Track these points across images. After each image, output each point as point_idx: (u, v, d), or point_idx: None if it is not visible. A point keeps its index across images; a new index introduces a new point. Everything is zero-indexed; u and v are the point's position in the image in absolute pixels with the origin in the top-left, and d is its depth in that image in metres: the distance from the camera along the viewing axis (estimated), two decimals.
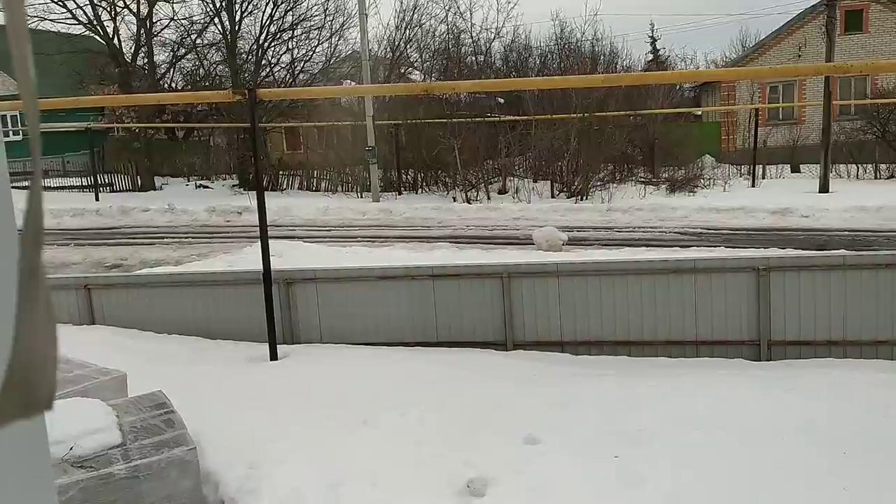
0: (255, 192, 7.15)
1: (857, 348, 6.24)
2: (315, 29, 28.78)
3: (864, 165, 24.19)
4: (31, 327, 0.33)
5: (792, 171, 26.49)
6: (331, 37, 29.01)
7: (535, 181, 23.45)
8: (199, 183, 28.73)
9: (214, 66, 28.88)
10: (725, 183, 22.97)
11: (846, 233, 14.31)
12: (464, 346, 6.95)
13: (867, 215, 15.69)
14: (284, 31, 28.41)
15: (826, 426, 4.68)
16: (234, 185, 27.67)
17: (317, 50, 29.04)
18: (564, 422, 4.92)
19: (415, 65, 31.29)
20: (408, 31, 29.61)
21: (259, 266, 7.00)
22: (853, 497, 3.90)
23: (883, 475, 4.09)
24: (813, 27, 27.81)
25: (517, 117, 23.94)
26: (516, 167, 24.71)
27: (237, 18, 27.61)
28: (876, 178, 23.89)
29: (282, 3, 27.85)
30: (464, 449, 4.60)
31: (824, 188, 20.53)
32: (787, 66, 26.18)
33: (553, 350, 6.81)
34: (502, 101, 27.05)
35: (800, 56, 28.92)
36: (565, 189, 22.25)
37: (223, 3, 27.05)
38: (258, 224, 6.89)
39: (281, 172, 27.68)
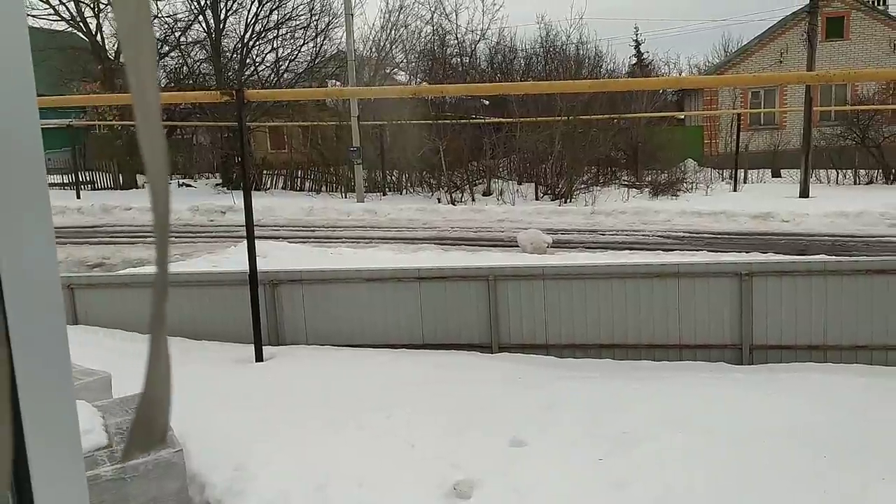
0: (238, 191, 7.13)
1: (837, 353, 6.34)
2: (300, 28, 28.69)
3: (844, 171, 24.49)
4: (156, 372, 0.38)
5: (773, 176, 26.76)
6: (316, 36, 28.92)
7: (519, 183, 23.53)
8: (181, 181, 28.54)
9: (198, 64, 28.71)
10: (708, 187, 23.17)
11: (826, 238, 14.49)
12: (449, 349, 6.98)
13: (847, 221, 15.89)
14: (269, 30, 28.30)
15: (807, 430, 4.76)
16: (217, 184, 27.51)
17: (302, 49, 28.95)
18: (550, 424, 4.96)
19: (400, 65, 31.29)
20: (393, 32, 29.63)
21: (243, 266, 6.99)
22: (834, 500, 3.97)
23: (863, 478, 4.16)
24: (795, 33, 28.12)
25: (502, 119, 24.01)
26: (501, 169, 24.78)
27: (222, 17, 27.47)
28: (855, 183, 24.19)
29: (267, 1, 27.75)
30: (450, 451, 4.63)
31: (805, 193, 20.76)
32: (770, 73, 26.46)
33: (538, 352, 6.86)
34: (487, 102, 27.11)
35: (781, 62, 29.23)
36: (549, 191, 22.35)
37: (208, 1, 26.92)
38: (244, 224, 6.88)
39: (265, 172, 27.57)
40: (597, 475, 4.30)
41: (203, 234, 17.13)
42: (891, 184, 23.64)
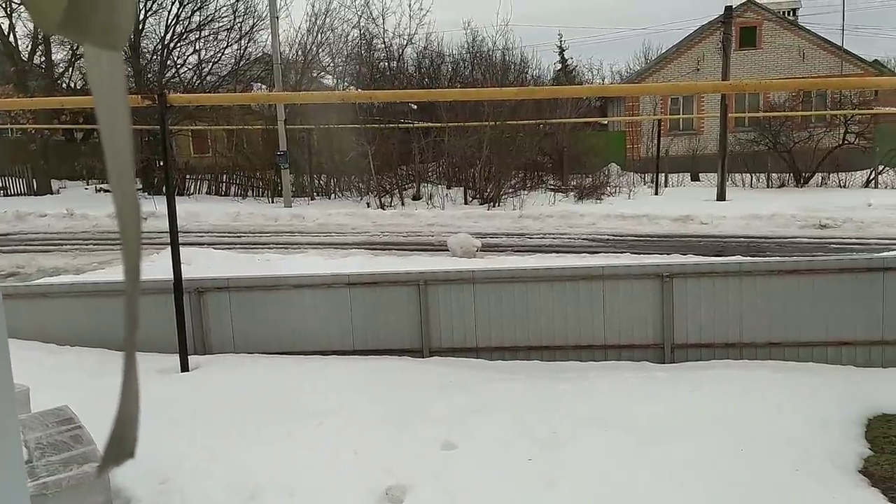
0: (160, 196, 6.96)
1: (752, 350, 6.63)
2: (224, 30, 28.16)
3: (758, 175, 25.57)
4: (128, 392, 0.41)
5: (692, 180, 27.71)
6: (240, 39, 28.43)
7: (448, 187, 23.69)
8: (99, 187, 27.58)
9: None
10: (630, 191, 23.82)
11: (742, 239, 15.11)
12: (380, 354, 6.98)
13: (761, 223, 16.60)
14: (191, 31, 27.67)
15: (725, 424, 4.97)
16: (138, 190, 26.64)
17: (225, 52, 28.41)
18: (480, 426, 5.03)
19: (327, 69, 31.04)
20: (320, 35, 29.36)
21: (167, 274, 6.83)
22: (751, 492, 4.16)
23: (777, 471, 4.37)
24: (710, 42, 29.19)
25: (431, 124, 24.12)
26: (430, 173, 24.89)
27: (141, 17, 26.70)
28: (768, 186, 25.29)
29: (188, 2, 27.12)
30: (382, 456, 4.64)
31: (722, 196, 21.58)
32: (688, 83, 27.38)
33: (469, 356, 6.93)
34: (415, 106, 27.20)
35: (698, 69, 30.29)
36: (478, 196, 22.57)
37: None
38: (167, 231, 6.72)
39: (188, 176, 26.92)
40: (527, 475, 4.39)
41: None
42: (801, 187, 24.81)
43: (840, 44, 30.08)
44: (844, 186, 24.21)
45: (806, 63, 29.62)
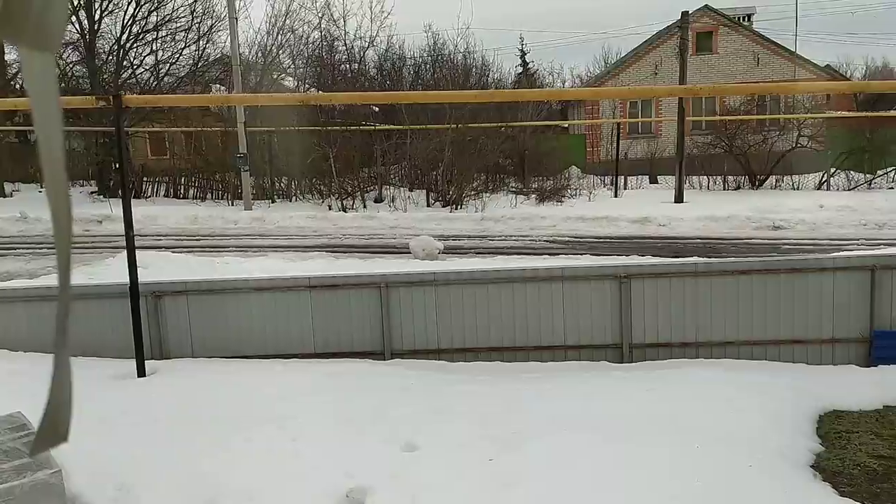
0: (116, 199, 6.85)
1: (708, 349, 6.76)
2: (181, 31, 27.75)
3: (715, 177, 26.04)
4: (60, 381, 0.43)
5: (651, 182, 28.12)
6: (198, 39, 28.04)
7: (410, 190, 23.68)
8: None
9: (71, 65, 27.25)
10: (590, 193, 24.07)
11: (699, 240, 15.38)
12: (342, 357, 6.95)
13: (717, 224, 16.92)
14: (148, 31, 27.21)
15: (682, 421, 5.05)
16: (92, 192, 26.17)
17: (183, 52, 28.00)
18: (441, 428, 5.05)
19: (287, 71, 30.82)
20: (280, 37, 29.14)
21: (123, 278, 6.71)
22: (705, 487, 4.24)
23: (731, 467, 4.46)
24: (668, 47, 29.66)
25: (393, 126, 24.10)
26: (392, 176, 24.86)
27: (96, 17, 26.20)
28: (724, 189, 25.77)
29: (145, 2, 26.68)
30: (342, 459, 4.63)
31: (679, 198, 21.94)
32: (645, 87, 27.82)
33: (430, 358, 6.94)
34: (377, 109, 27.14)
35: (656, 73, 30.77)
36: (440, 198, 22.61)
37: (81, 2, 25.60)
38: (123, 234, 6.61)
39: (145, 179, 26.48)
40: (488, 476, 4.41)
41: (78, 245, 16.25)
42: (756, 189, 25.34)
43: (793, 49, 30.80)
44: (797, 188, 24.79)
45: (761, 68, 30.26)
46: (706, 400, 5.45)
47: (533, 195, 23.51)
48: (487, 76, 31.56)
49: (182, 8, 27.46)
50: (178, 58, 27.95)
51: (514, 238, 16.37)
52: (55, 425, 0.50)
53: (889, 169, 24.65)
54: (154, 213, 19.86)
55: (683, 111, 22.66)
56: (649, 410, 5.27)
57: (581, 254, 13.79)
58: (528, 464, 4.52)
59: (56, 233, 0.53)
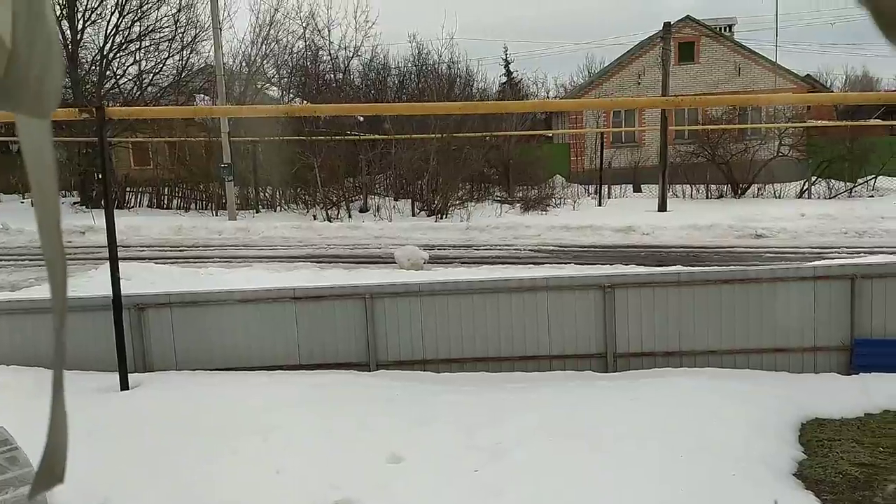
0: (99, 209, 6.82)
1: (691, 358, 6.81)
2: (165, 41, 27.65)
3: (697, 186, 26.25)
4: (57, 423, 0.46)
5: (634, 191, 28.29)
6: (182, 49, 27.93)
7: (395, 199, 23.69)
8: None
9: None
10: (575, 202, 24.18)
11: (682, 249, 15.49)
12: (327, 369, 6.94)
13: (700, 233, 17.05)
14: (131, 41, 27.09)
15: (666, 431, 5.09)
16: (75, 203, 25.97)
17: (167, 62, 27.88)
18: (426, 439, 5.05)
19: (272, 80, 30.77)
20: (264, 47, 29.10)
21: (106, 290, 6.67)
22: (691, 497, 4.27)
23: (715, 475, 4.50)
24: (651, 56, 29.90)
25: (377, 136, 24.12)
26: (377, 185, 24.86)
27: (79, 27, 26.06)
28: (707, 197, 25.97)
29: (128, 12, 26.58)
30: (328, 471, 4.62)
31: (663, 207, 22.09)
32: (628, 98, 28.02)
33: (416, 368, 6.94)
34: (362, 119, 27.17)
35: (639, 83, 31.00)
36: (426, 208, 22.64)
37: (64, 11, 25.47)
38: (107, 245, 6.58)
39: (128, 189, 26.31)
40: (473, 486, 4.42)
41: None
42: (738, 197, 25.56)
43: (774, 59, 31.15)
44: (779, 197, 25.02)
45: (742, 77, 30.56)
46: (690, 409, 5.48)
47: (518, 204, 23.58)
48: (472, 86, 31.70)
49: (166, 18, 27.38)
50: (161, 68, 27.84)
51: (499, 247, 16.41)
52: (52, 467, 0.52)
53: (869, 177, 24.96)
54: (137, 223, 19.74)
55: (666, 121, 22.85)
56: (634, 419, 5.29)
57: (566, 263, 13.85)
58: (514, 474, 4.53)
59: (52, 284, 0.56)
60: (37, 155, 0.53)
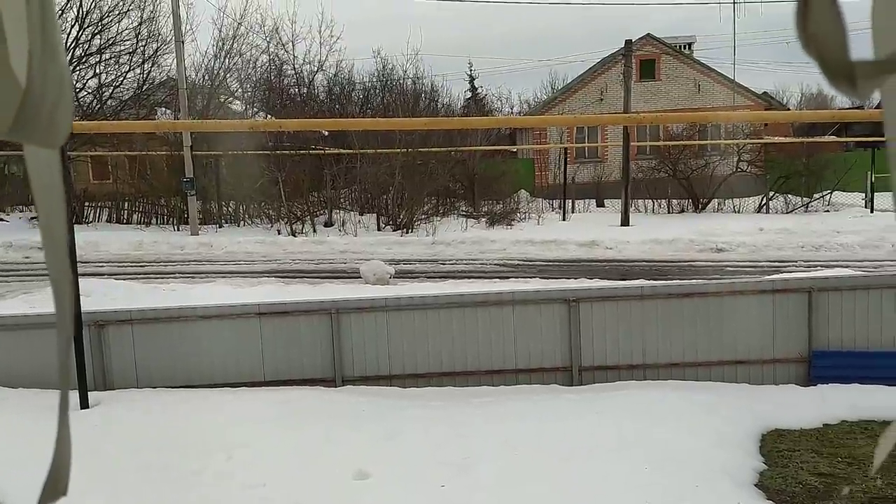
0: None
1: (655, 370, 6.90)
2: (126, 54, 27.32)
3: (659, 201, 26.65)
4: (63, 438, 0.48)
5: (597, 206, 28.60)
6: (143, 63, 27.62)
7: (361, 214, 23.63)
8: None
9: None
10: (539, 217, 24.35)
11: (645, 263, 15.69)
12: (292, 385, 6.88)
13: (662, 247, 17.29)
14: (91, 54, 26.71)
15: (631, 443, 5.14)
16: (32, 218, 25.42)
17: (128, 76, 27.54)
18: (393, 455, 5.03)
19: (235, 94, 30.57)
20: (227, 60, 28.91)
21: None
22: None
23: (679, 487, 4.55)
24: (613, 73, 30.36)
25: (342, 150, 24.06)
26: (342, 200, 24.77)
27: None
28: (669, 212, 26.38)
29: (88, 25, 26.22)
30: (293, 488, 4.57)
31: (626, 222, 22.36)
32: (591, 115, 28.35)
33: (382, 384, 6.92)
34: (327, 133, 27.10)
35: (602, 100, 31.44)
36: (391, 222, 22.61)
37: None
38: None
39: (87, 204, 25.84)
40: (439, 501, 4.41)
41: (18, 273, 15.76)
42: (699, 212, 25.99)
43: (732, 76, 31.86)
44: (738, 211, 25.51)
45: (702, 95, 31.18)
46: (654, 421, 5.55)
47: (483, 219, 23.68)
48: (437, 101, 31.86)
49: (126, 31, 27.07)
50: (122, 81, 27.50)
51: (464, 262, 16.45)
52: (56, 482, 0.55)
53: (824, 192, 25.58)
54: (96, 238, 19.39)
55: (628, 137, 23.19)
56: (599, 432, 5.34)
57: (531, 277, 13.93)
58: (481, 488, 4.54)
59: (58, 314, 0.58)
60: (45, 182, 0.55)
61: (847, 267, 11.92)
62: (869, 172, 23.87)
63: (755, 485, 4.74)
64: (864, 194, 24.63)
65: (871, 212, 23.12)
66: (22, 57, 0.47)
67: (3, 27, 0.46)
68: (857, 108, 22.55)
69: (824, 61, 0.41)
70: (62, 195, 0.57)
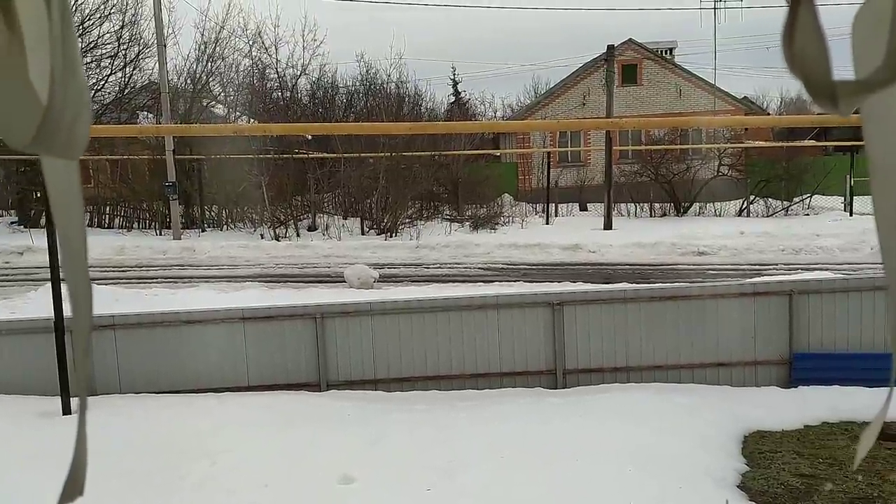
0: (38, 229, 6.65)
1: (638, 373, 6.94)
2: (107, 57, 27.12)
3: (641, 204, 26.82)
4: (81, 440, 0.51)
5: (580, 210, 28.74)
6: (125, 66, 27.42)
7: (345, 218, 23.58)
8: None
9: None
10: (523, 221, 24.43)
11: (628, 266, 15.78)
12: (276, 389, 6.86)
13: (644, 251, 17.41)
14: None
15: (615, 446, 5.17)
16: (12, 222, 25.16)
17: (109, 79, 27.33)
18: (378, 459, 5.03)
19: (218, 98, 30.40)
20: (210, 64, 28.75)
21: (47, 312, 6.50)
22: None
23: (662, 488, 4.59)
24: (595, 78, 30.53)
25: (326, 154, 24.02)
26: (326, 204, 24.72)
27: None
28: (651, 216, 26.56)
29: None
30: (278, 494, 4.56)
31: (608, 225, 22.49)
32: (574, 120, 28.51)
33: (367, 388, 6.92)
34: (310, 137, 27.03)
35: (584, 104, 31.59)
36: (375, 226, 22.59)
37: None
38: (46, 266, 6.41)
39: None
40: None
41: None
42: (681, 216, 26.19)
43: (713, 81, 32.13)
44: (720, 215, 25.73)
45: (683, 99, 31.41)
46: (638, 423, 5.59)
47: (467, 223, 23.72)
48: (420, 106, 31.85)
49: (108, 34, 26.87)
50: (103, 84, 27.28)
51: (448, 266, 16.47)
52: (74, 482, 0.57)
53: (804, 196, 25.86)
54: None
55: (611, 141, 23.33)
56: (583, 435, 5.37)
57: (514, 281, 13.98)
58: (466, 491, 4.55)
59: (75, 322, 0.60)
60: (63, 193, 0.57)
61: (827, 270, 12.06)
62: (848, 176, 24.18)
63: (737, 486, 4.79)
64: (843, 198, 24.93)
65: (851, 215, 23.40)
66: (44, 73, 0.48)
67: (24, 44, 0.47)
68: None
69: (808, 81, 0.43)
70: (80, 205, 0.59)
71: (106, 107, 27.35)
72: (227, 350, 6.94)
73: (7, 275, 16.02)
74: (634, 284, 9.94)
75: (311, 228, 22.99)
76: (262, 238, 21.56)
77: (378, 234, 21.95)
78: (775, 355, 6.93)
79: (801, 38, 0.42)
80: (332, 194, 25.01)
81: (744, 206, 26.09)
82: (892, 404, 0.58)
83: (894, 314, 0.55)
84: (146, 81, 28.52)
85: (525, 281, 13.83)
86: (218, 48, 28.73)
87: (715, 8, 31.54)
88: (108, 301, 11.06)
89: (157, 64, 22.04)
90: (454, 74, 43.06)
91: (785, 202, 25.61)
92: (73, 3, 25.26)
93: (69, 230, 0.58)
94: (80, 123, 0.51)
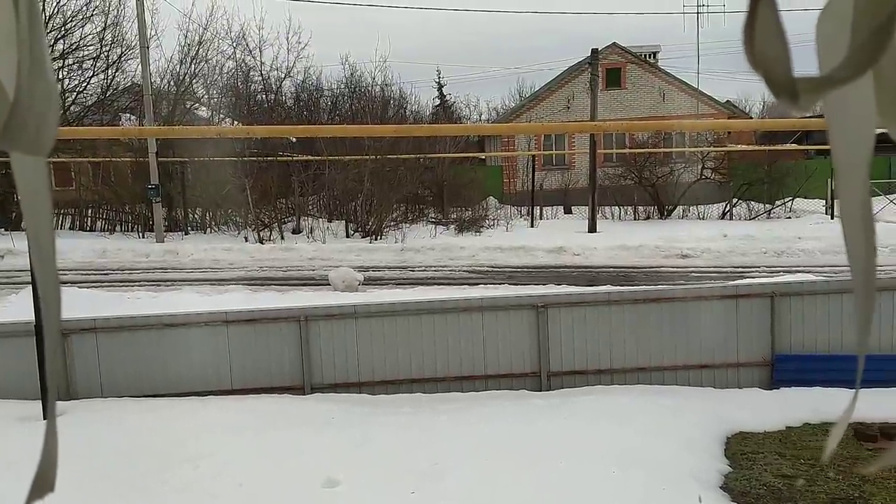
0: (17, 232, 6.58)
1: (622, 375, 6.97)
2: (89, 59, 26.91)
3: (625, 207, 26.95)
4: (50, 435, 0.52)
5: (565, 212, 28.83)
6: (107, 68, 27.22)
7: (329, 221, 23.52)
8: None
9: None
10: (508, 223, 24.47)
11: (612, 269, 15.85)
12: (260, 392, 6.83)
13: (628, 253, 17.49)
14: (54, 59, 26.27)
15: (599, 448, 5.19)
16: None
17: (91, 81, 27.13)
18: (362, 462, 5.02)
19: (202, 100, 30.25)
20: (193, 66, 28.60)
21: (26, 316, 6.42)
22: None
23: (646, 489, 4.61)
24: (580, 82, 30.66)
25: (310, 157, 23.95)
26: (310, 206, 24.64)
27: None
28: (635, 219, 26.69)
29: (51, 30, 25.80)
30: (261, 497, 4.54)
31: (593, 228, 22.58)
32: (558, 123, 28.65)
33: (351, 391, 6.90)
34: (294, 139, 26.95)
35: (569, 108, 31.72)
36: (360, 229, 22.55)
37: None
38: (26, 269, 6.35)
39: None
40: None
41: None
42: (664, 219, 26.34)
43: (696, 85, 32.35)
44: (703, 218, 25.89)
45: (666, 103, 31.60)
46: (621, 425, 5.61)
47: (452, 226, 23.72)
48: (405, 108, 31.87)
49: (90, 36, 26.68)
50: (85, 86, 27.09)
51: (434, 268, 16.46)
52: (45, 476, 0.57)
53: (786, 199, 26.08)
54: (59, 246, 18.93)
55: (595, 144, 23.44)
56: (568, 436, 5.38)
57: (499, 283, 13.99)
58: (449, 495, 4.55)
59: (46, 322, 0.59)
60: (32, 188, 0.56)
61: (808, 272, 12.17)
62: (829, 179, 24.38)
63: (720, 487, 4.82)
64: (824, 201, 25.17)
65: (832, 218, 23.63)
66: (11, 70, 0.48)
67: None
68: (818, 116, 23.03)
69: (769, 78, 0.44)
70: (49, 201, 0.59)
71: (88, 108, 27.14)
72: (210, 353, 6.90)
73: None
74: (618, 287, 9.99)
75: (296, 231, 22.91)
76: (247, 241, 21.46)
77: (363, 237, 21.91)
78: (758, 357, 6.98)
79: (761, 35, 0.43)
80: (316, 197, 24.94)
81: (727, 209, 26.28)
82: (869, 405, 0.58)
83: (860, 314, 0.56)
84: (129, 83, 28.33)
85: (510, 283, 13.86)
86: (201, 50, 28.61)
87: (698, 12, 31.81)
88: (90, 304, 10.96)
89: (140, 66, 21.89)
90: (439, 77, 43.09)
91: (767, 205, 25.81)
92: (55, 4, 25.12)
93: (39, 227, 0.58)
94: (47, 122, 0.52)
